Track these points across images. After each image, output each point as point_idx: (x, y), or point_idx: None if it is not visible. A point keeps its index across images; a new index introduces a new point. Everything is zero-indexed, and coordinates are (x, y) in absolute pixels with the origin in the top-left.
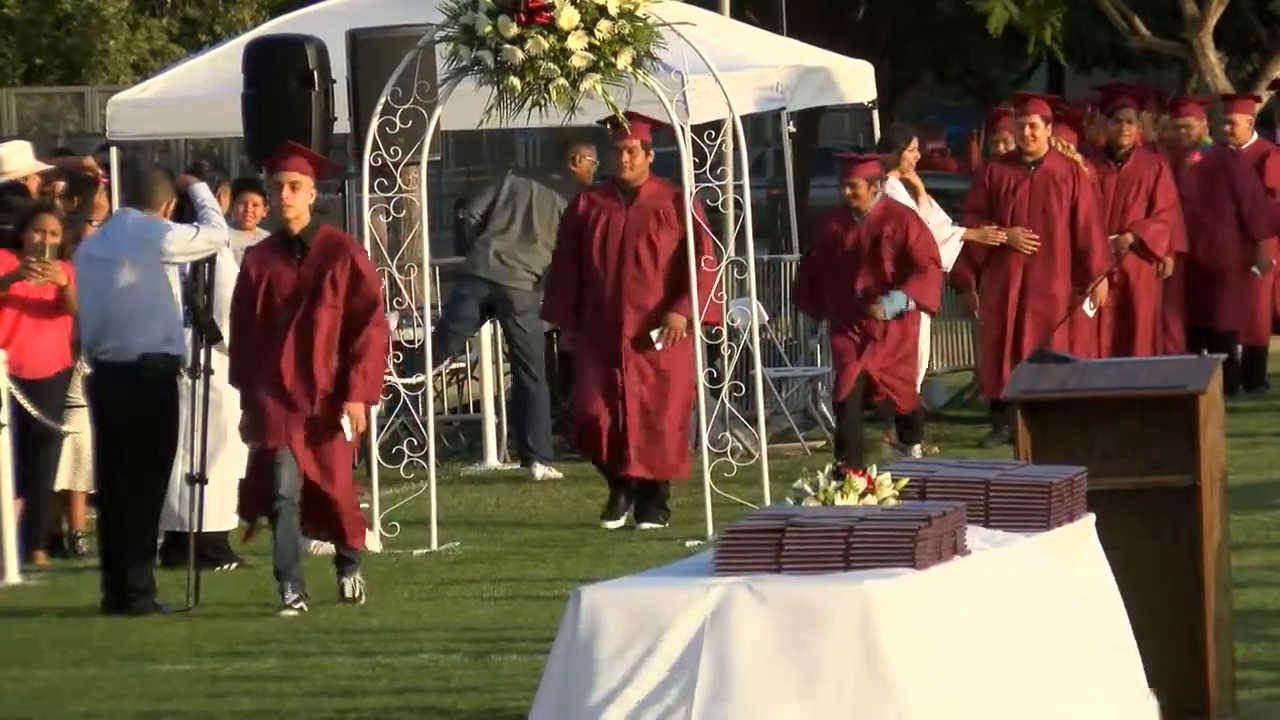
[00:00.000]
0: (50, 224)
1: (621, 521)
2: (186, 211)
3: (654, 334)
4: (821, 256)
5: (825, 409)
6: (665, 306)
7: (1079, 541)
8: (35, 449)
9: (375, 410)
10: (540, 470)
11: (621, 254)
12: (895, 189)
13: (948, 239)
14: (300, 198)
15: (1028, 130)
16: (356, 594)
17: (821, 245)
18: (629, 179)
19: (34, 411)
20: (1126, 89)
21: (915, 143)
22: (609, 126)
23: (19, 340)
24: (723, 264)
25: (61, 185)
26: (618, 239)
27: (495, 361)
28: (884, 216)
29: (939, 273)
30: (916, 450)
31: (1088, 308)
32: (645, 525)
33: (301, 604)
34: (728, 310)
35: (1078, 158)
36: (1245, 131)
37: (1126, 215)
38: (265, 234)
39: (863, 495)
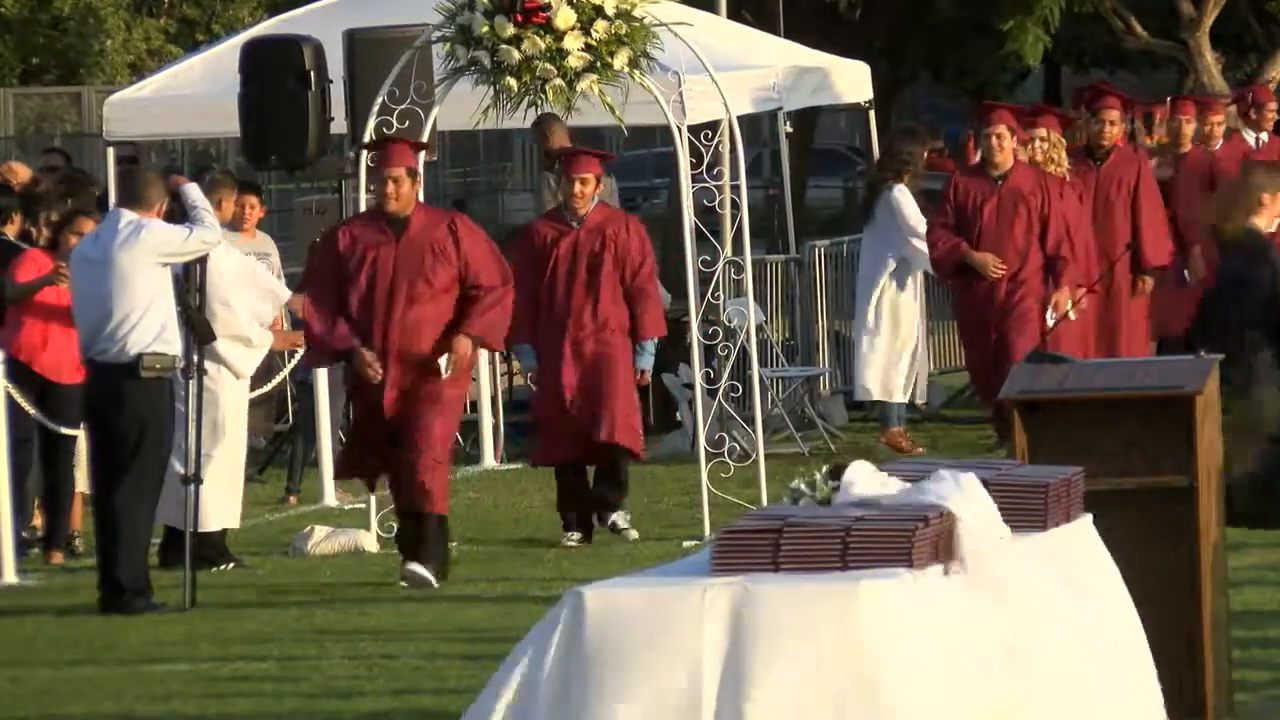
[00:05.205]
0: (87, 227)
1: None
2: (177, 212)
3: (441, 362)
4: None
5: (821, 409)
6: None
7: (1079, 543)
8: (53, 454)
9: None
10: None
11: (392, 293)
12: (904, 196)
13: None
14: None
15: (994, 141)
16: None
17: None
18: (395, 210)
19: (32, 411)
20: (1112, 89)
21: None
22: (366, 152)
23: (52, 344)
24: (720, 264)
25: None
26: (387, 278)
27: (492, 363)
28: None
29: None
30: (620, 518)
31: (1049, 317)
32: (415, 568)
33: None
34: (725, 310)
35: (1062, 162)
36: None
37: (1109, 214)
38: (264, 235)
39: None
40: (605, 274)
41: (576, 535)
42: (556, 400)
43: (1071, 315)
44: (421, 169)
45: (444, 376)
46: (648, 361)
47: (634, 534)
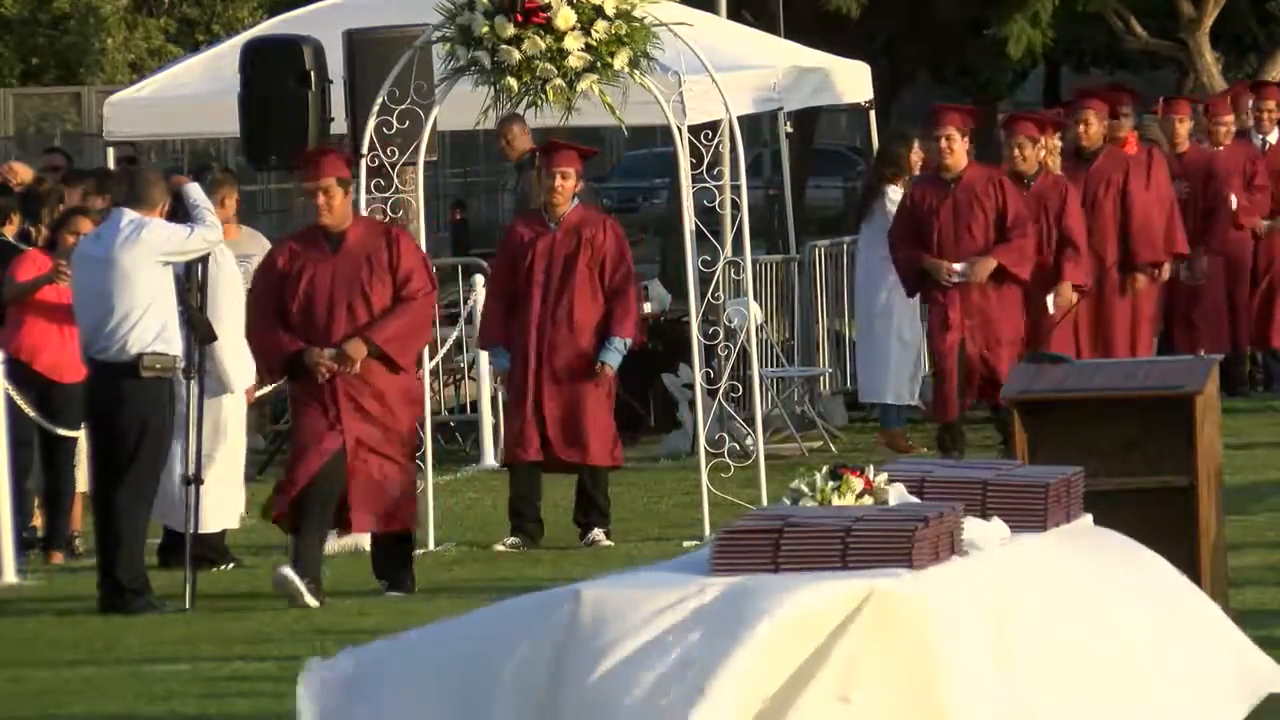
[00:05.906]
0: (84, 226)
1: (305, 594)
2: (179, 212)
3: (327, 352)
4: None
5: (821, 409)
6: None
7: (1080, 542)
8: (53, 454)
9: None
10: None
11: (331, 309)
12: (900, 197)
13: None
14: None
15: (944, 144)
16: None
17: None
18: (329, 225)
19: (30, 413)
20: (1093, 91)
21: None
22: (298, 165)
23: (51, 344)
24: (720, 264)
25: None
26: (326, 294)
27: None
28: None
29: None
30: (599, 534)
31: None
32: (394, 594)
33: None
34: (725, 310)
35: (1053, 167)
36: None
37: (1097, 214)
38: (251, 232)
39: (860, 496)
40: (580, 276)
41: (512, 540)
42: (523, 400)
43: (1051, 308)
44: (421, 170)
45: (322, 365)
46: (613, 358)
47: (608, 542)
